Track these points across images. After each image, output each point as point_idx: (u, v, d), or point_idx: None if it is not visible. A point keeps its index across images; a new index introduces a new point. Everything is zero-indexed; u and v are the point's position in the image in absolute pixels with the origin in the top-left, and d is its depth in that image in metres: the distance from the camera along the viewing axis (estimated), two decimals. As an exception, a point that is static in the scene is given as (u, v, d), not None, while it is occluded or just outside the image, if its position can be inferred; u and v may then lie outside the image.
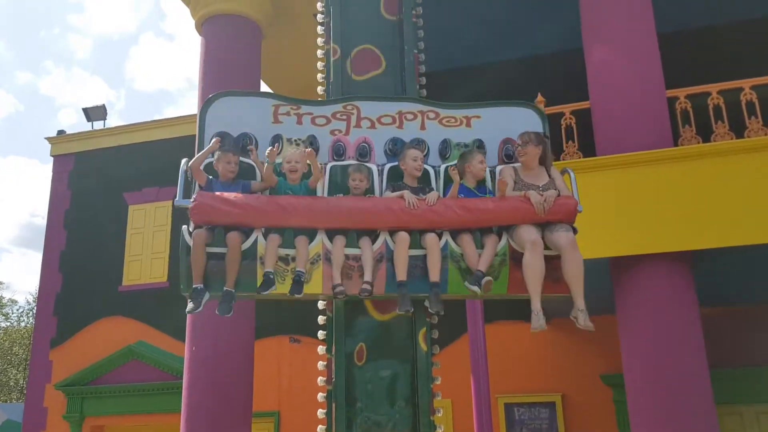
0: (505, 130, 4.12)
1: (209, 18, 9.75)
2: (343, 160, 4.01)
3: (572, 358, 10.43)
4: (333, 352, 3.91)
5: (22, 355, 26.65)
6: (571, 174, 4.05)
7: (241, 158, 3.89)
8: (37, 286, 14.18)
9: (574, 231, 3.77)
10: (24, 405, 13.17)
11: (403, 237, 3.66)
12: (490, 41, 10.52)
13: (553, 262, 3.71)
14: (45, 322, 13.39)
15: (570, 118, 7.74)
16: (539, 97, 7.56)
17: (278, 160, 3.91)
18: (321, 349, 3.99)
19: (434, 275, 3.66)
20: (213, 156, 3.85)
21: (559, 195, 3.81)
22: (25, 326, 28.48)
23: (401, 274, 3.64)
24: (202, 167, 3.79)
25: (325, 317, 4.04)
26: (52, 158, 14.43)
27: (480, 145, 4.07)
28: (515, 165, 4.01)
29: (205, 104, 4.06)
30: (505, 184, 3.79)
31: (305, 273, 3.60)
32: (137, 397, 12.34)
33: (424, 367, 3.87)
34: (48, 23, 64.20)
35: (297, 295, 3.58)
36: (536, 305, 3.61)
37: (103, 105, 14.75)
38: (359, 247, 3.67)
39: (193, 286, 3.54)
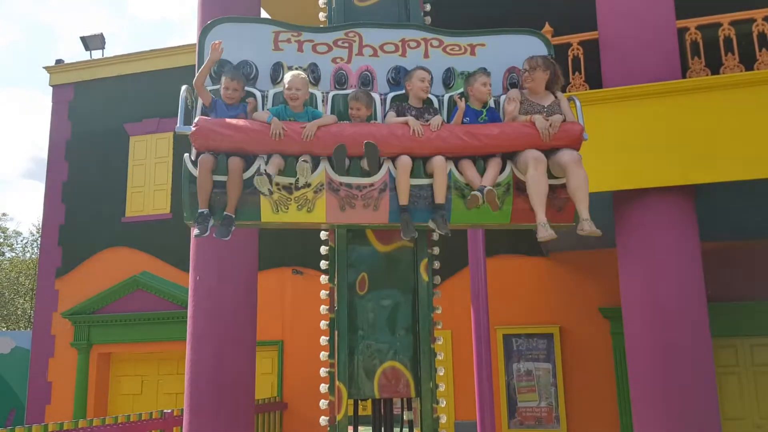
0: (510, 59, 4.03)
1: (207, -58, 9.42)
2: (345, 89, 3.93)
3: (571, 291, 10.56)
4: (335, 282, 3.95)
5: (28, 285, 27.03)
6: (577, 102, 3.99)
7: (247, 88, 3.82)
8: (41, 218, 14.25)
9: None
10: (32, 333, 13.44)
11: (405, 161, 3.60)
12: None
13: (557, 191, 3.69)
14: (50, 253, 13.53)
15: (577, 49, 7.57)
16: (547, 26, 7.40)
17: (279, 88, 3.85)
18: (323, 279, 4.03)
19: (440, 197, 3.62)
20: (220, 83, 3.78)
21: (564, 120, 3.76)
22: (30, 257, 28.78)
23: (403, 199, 3.61)
24: (209, 90, 3.74)
25: (327, 248, 4.07)
26: (51, 88, 14.27)
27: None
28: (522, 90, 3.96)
29: (204, 30, 3.96)
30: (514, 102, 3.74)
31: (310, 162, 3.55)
32: (143, 326, 12.61)
33: (425, 296, 3.91)
34: (43, -52, 62.25)
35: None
36: (542, 218, 3.57)
37: (101, 33, 14.42)
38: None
39: (199, 210, 3.54)
